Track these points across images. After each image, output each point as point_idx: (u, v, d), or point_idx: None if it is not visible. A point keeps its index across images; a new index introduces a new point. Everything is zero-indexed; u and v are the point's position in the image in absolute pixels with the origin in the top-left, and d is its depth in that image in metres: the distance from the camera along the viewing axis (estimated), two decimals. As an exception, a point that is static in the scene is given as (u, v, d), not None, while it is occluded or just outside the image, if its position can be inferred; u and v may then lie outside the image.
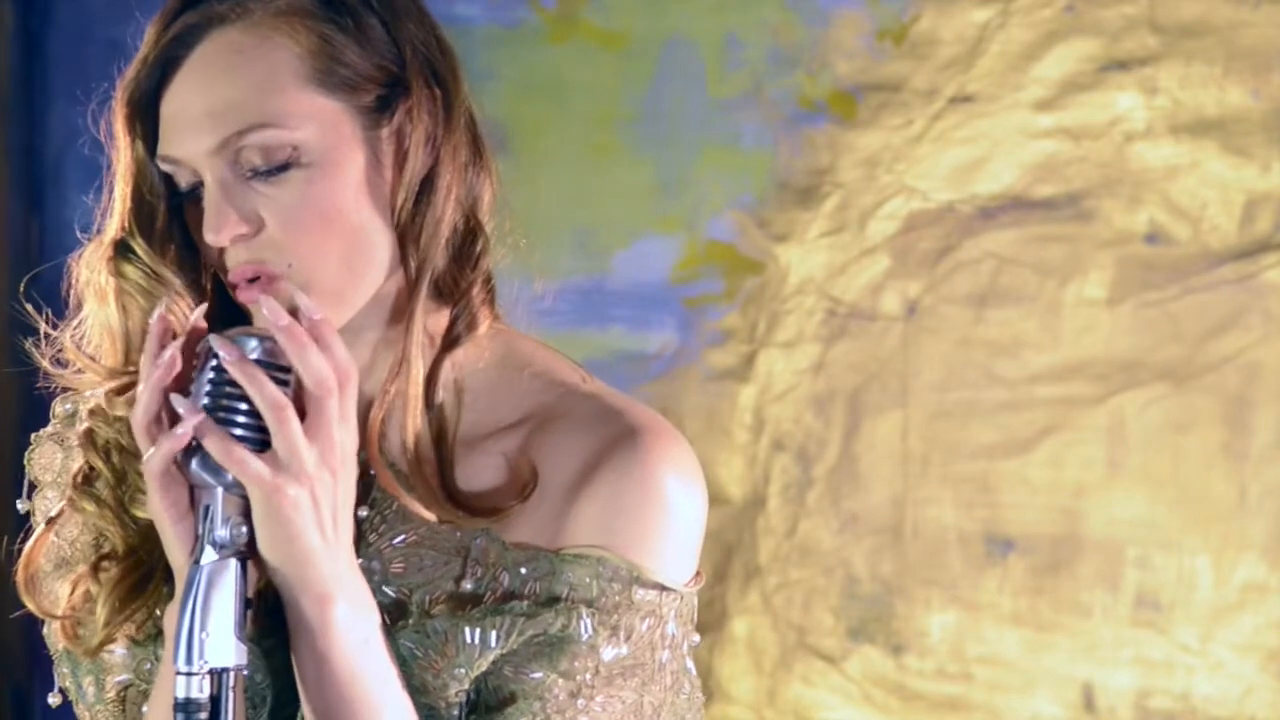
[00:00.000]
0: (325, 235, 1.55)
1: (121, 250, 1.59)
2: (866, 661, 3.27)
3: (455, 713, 1.57)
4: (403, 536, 1.59)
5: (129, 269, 1.58)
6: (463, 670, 1.55)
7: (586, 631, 1.55)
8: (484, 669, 1.56)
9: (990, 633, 3.22)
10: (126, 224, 1.59)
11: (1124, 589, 3.17)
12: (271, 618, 1.55)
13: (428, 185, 1.58)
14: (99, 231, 1.61)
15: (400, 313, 1.60)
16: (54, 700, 1.68)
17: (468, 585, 1.57)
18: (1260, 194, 3.13)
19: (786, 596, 3.29)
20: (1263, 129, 3.13)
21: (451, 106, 1.60)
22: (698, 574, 1.62)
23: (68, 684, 1.67)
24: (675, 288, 3.35)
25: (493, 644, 1.55)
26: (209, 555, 1.48)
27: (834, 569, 3.28)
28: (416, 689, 1.55)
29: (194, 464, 1.48)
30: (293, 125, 1.54)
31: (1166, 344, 3.16)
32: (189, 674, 1.45)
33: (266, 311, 1.50)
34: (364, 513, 1.59)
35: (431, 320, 1.61)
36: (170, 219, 1.60)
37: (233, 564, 1.48)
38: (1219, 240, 3.14)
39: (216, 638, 1.46)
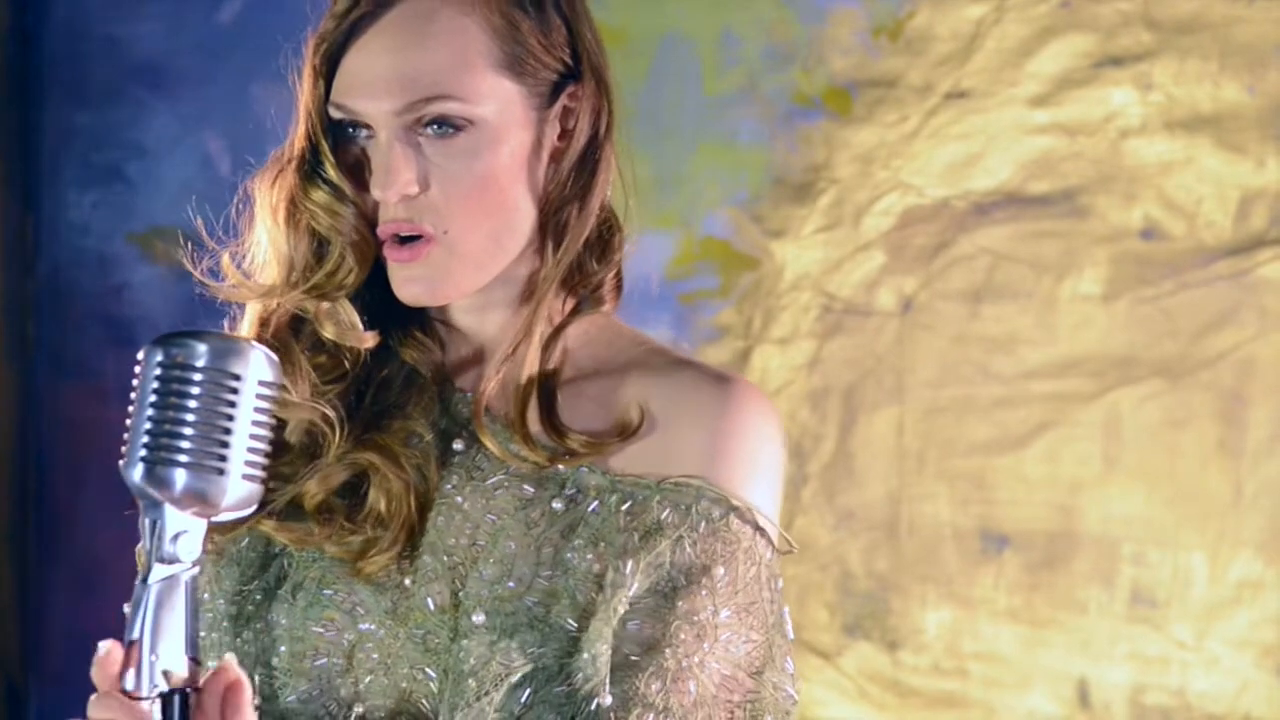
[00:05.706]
0: (481, 206, 1.65)
1: (309, 172, 1.67)
2: (862, 658, 3.27)
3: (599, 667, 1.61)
4: (501, 476, 1.65)
5: (315, 191, 1.67)
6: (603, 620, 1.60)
7: (689, 558, 1.63)
8: (620, 614, 1.61)
9: (986, 629, 3.22)
10: (314, 149, 1.67)
11: (1119, 585, 3.17)
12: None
13: (581, 176, 1.68)
14: (277, 159, 1.69)
15: (530, 295, 1.70)
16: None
17: (558, 505, 1.63)
18: (1255, 190, 3.13)
19: (782, 592, 3.28)
20: (1257, 125, 3.13)
21: (613, 109, 1.71)
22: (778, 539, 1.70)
23: None
24: (671, 284, 3.35)
25: (627, 575, 1.61)
26: (158, 573, 1.41)
27: (829, 565, 3.28)
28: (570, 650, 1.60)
29: (136, 476, 1.42)
30: (475, 100, 1.64)
31: (1162, 340, 3.16)
32: (139, 698, 1.40)
33: None
34: (460, 445, 1.67)
35: (555, 304, 1.71)
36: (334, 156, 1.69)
37: (183, 580, 1.42)
38: (1214, 236, 3.14)
39: (167, 659, 1.40)
